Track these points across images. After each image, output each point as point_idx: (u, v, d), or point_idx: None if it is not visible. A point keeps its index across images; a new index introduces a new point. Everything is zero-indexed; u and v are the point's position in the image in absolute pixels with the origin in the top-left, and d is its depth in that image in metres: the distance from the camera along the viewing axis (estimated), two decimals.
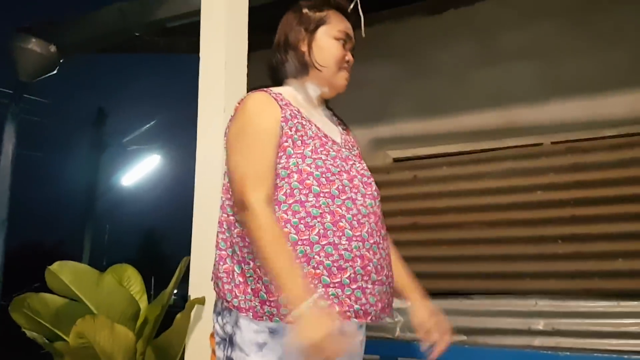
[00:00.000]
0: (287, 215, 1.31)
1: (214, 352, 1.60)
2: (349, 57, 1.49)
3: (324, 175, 1.34)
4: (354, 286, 1.29)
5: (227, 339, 1.33)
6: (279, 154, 1.35)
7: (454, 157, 3.47)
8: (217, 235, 1.40)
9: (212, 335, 1.61)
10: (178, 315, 2.22)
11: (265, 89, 1.44)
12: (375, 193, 1.43)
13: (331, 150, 1.39)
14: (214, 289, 1.39)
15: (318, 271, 1.27)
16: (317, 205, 1.31)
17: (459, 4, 3.63)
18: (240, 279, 1.32)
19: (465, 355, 3.03)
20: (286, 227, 1.30)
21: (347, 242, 1.30)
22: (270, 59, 1.52)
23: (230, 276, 1.34)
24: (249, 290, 1.30)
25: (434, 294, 3.40)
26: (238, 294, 1.31)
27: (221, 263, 1.37)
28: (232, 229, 1.36)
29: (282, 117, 1.37)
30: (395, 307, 1.46)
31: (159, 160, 12.63)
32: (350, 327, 1.37)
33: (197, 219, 2.40)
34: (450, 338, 1.45)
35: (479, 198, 3.29)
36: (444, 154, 3.52)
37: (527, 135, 3.30)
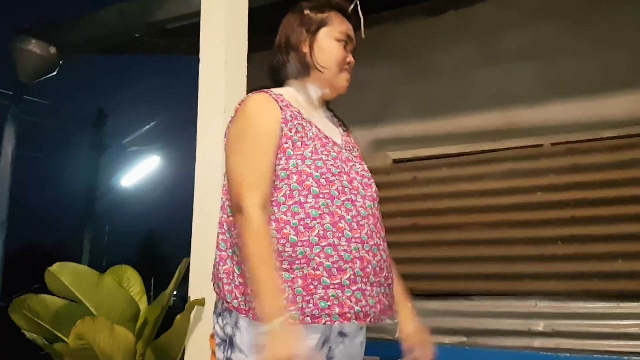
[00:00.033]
0: (287, 216, 1.31)
1: (214, 353, 1.59)
2: (350, 58, 1.50)
3: (323, 177, 1.34)
4: (354, 287, 1.29)
5: (227, 340, 1.33)
6: (279, 155, 1.35)
7: (454, 158, 3.47)
8: (218, 236, 1.40)
9: (212, 337, 1.61)
10: (178, 317, 2.22)
11: (265, 90, 1.44)
12: (375, 194, 1.43)
13: (331, 151, 1.39)
14: (214, 289, 1.39)
15: (318, 272, 1.27)
16: (316, 206, 1.31)
17: (459, 5, 3.63)
18: (240, 280, 1.32)
19: (465, 356, 3.04)
20: (285, 229, 1.30)
21: (346, 243, 1.30)
22: (271, 59, 1.52)
23: (231, 277, 1.34)
24: (249, 291, 1.30)
25: (434, 295, 3.43)
26: (238, 295, 1.31)
27: (221, 264, 1.37)
28: (233, 230, 1.36)
29: (282, 118, 1.37)
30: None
31: (159, 161, 12.64)
32: (350, 329, 1.37)
33: (197, 220, 2.40)
34: (431, 356, 1.49)
35: (479, 199, 3.29)
36: (443, 155, 3.53)
37: (527, 136, 3.30)
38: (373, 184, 1.44)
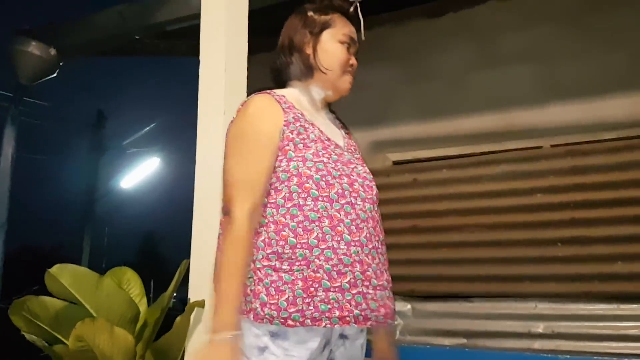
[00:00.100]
0: (286, 218, 1.31)
1: None
2: (353, 60, 1.50)
3: (323, 179, 1.34)
4: (354, 291, 1.29)
5: None
6: (280, 157, 1.35)
7: (454, 159, 3.47)
8: (219, 237, 1.41)
9: None
10: (178, 318, 2.22)
11: (268, 91, 1.44)
12: (375, 197, 1.43)
13: (333, 153, 1.39)
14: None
15: (318, 275, 1.27)
16: (315, 209, 1.31)
17: (458, 7, 3.63)
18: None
19: (465, 358, 3.03)
20: (284, 231, 1.30)
21: (345, 247, 1.30)
22: (274, 60, 1.52)
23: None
24: (249, 291, 1.30)
25: (433, 297, 3.42)
26: None
27: None
28: None
29: (284, 120, 1.37)
30: (396, 310, 1.47)
31: (159, 163, 12.64)
32: (351, 331, 1.37)
33: (197, 222, 2.39)
34: None
35: (478, 201, 3.29)
36: (443, 156, 3.53)
37: (527, 138, 3.31)
38: (374, 187, 1.44)
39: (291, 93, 1.46)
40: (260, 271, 1.29)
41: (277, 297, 1.26)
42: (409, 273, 3.23)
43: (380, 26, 3.68)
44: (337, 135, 1.49)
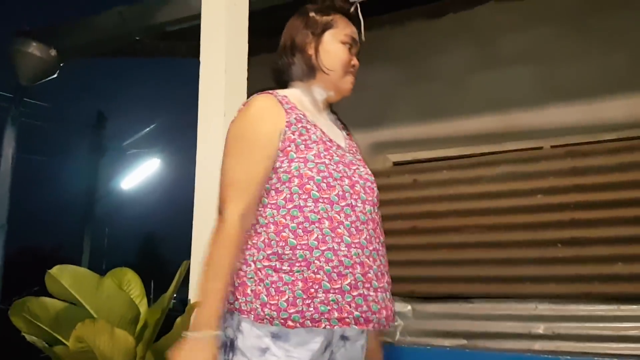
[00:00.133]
0: (286, 219, 1.31)
1: None
2: (354, 61, 1.51)
3: (325, 180, 1.34)
4: (355, 293, 1.29)
5: (229, 343, 1.33)
6: (281, 158, 1.35)
7: (454, 160, 3.47)
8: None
9: None
10: (178, 319, 2.22)
11: (271, 92, 1.44)
12: (376, 199, 1.43)
13: (335, 155, 1.39)
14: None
15: (318, 276, 1.27)
16: (315, 210, 1.31)
17: (458, 8, 3.63)
18: (241, 281, 1.32)
19: (465, 359, 3.03)
20: (284, 232, 1.30)
21: (346, 248, 1.30)
22: (276, 61, 1.53)
23: (232, 278, 1.34)
24: (249, 291, 1.30)
25: (433, 298, 3.42)
26: (238, 296, 1.31)
27: None
28: None
29: (286, 121, 1.37)
30: (396, 311, 1.47)
31: (159, 164, 12.66)
32: (352, 332, 1.37)
33: (197, 223, 2.40)
34: None
35: (478, 202, 3.29)
36: (443, 157, 3.53)
37: (526, 139, 3.31)
38: (375, 189, 1.44)
39: (293, 93, 1.47)
40: (261, 271, 1.29)
41: (277, 297, 1.26)
42: (409, 274, 3.23)
43: (380, 27, 3.68)
44: (338, 136, 1.49)
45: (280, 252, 1.29)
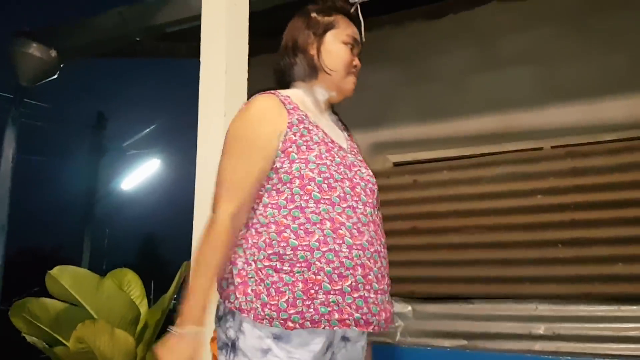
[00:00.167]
0: (287, 220, 1.31)
1: (214, 357, 1.59)
2: (356, 61, 1.51)
3: (326, 182, 1.34)
4: (356, 295, 1.29)
5: (230, 344, 1.33)
6: (282, 159, 1.35)
7: (454, 161, 3.47)
8: None
9: (212, 340, 1.61)
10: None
11: (273, 92, 1.44)
12: (376, 201, 1.43)
13: (336, 156, 1.39)
14: (217, 290, 1.39)
15: (319, 277, 1.27)
16: (317, 211, 1.31)
17: (458, 9, 3.63)
18: (242, 280, 1.32)
19: (465, 359, 3.03)
20: (285, 232, 1.30)
21: (347, 250, 1.30)
22: (277, 62, 1.53)
23: (232, 277, 1.34)
24: (249, 291, 1.30)
25: (434, 298, 3.42)
26: (239, 296, 1.31)
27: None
28: None
29: (288, 122, 1.37)
30: (396, 312, 1.47)
31: (159, 165, 12.65)
32: (353, 333, 1.37)
33: (198, 223, 2.39)
34: None
35: (478, 202, 3.29)
36: (444, 158, 3.52)
37: (526, 139, 3.30)
38: (376, 190, 1.44)
39: (296, 94, 1.47)
40: (261, 271, 1.29)
41: (277, 298, 1.26)
42: (409, 274, 3.23)
43: (380, 28, 3.68)
44: (340, 137, 1.49)
45: (281, 252, 1.29)
